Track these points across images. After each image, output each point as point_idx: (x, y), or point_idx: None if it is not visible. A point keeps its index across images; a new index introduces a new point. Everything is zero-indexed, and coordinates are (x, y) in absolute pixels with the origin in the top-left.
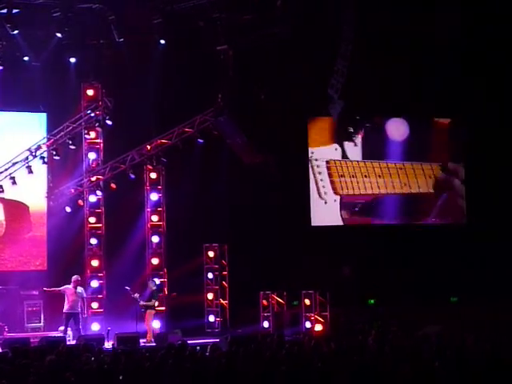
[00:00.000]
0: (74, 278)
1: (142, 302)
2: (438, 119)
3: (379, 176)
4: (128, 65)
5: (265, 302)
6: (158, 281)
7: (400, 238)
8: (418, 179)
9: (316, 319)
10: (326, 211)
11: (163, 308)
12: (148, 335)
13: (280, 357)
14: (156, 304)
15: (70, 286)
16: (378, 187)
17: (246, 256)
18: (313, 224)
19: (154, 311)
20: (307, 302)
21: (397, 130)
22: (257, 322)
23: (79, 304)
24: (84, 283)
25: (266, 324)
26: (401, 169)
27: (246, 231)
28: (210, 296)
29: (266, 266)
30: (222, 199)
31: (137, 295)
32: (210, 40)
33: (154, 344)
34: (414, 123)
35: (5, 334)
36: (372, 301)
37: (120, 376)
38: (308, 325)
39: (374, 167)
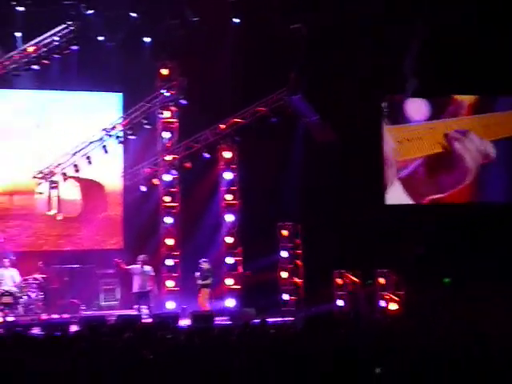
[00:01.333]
0: (141, 257)
1: (199, 281)
2: None
3: None
4: (202, 44)
5: (339, 280)
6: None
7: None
8: None
9: (391, 298)
10: (399, 190)
11: (238, 286)
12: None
13: (356, 335)
14: (209, 283)
15: (138, 266)
16: None
17: (320, 235)
18: (387, 203)
19: (208, 290)
20: (382, 280)
21: None
22: (331, 300)
23: (148, 283)
24: (159, 262)
25: (340, 303)
26: None
27: (320, 210)
28: (284, 275)
29: (340, 245)
30: (295, 177)
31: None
32: (284, 18)
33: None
34: None
35: (81, 312)
36: (447, 279)
37: (195, 353)
38: (383, 304)
39: None
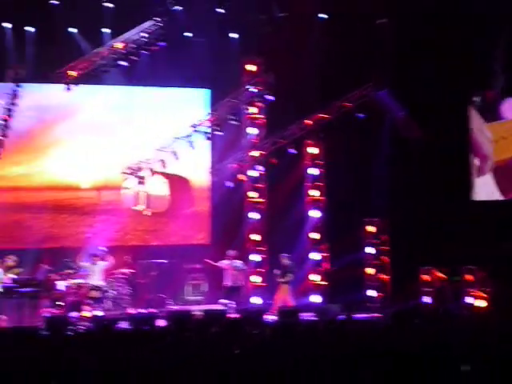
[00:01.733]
0: (230, 252)
1: (279, 279)
2: None
3: None
4: (288, 39)
5: (426, 277)
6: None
7: None
8: None
9: (478, 295)
10: (487, 186)
11: (323, 282)
12: (274, 308)
13: (444, 331)
14: (289, 279)
15: (228, 261)
16: None
17: (407, 231)
18: (474, 199)
19: (287, 286)
20: (469, 277)
21: None
22: (417, 297)
23: (240, 277)
24: (245, 257)
25: (427, 299)
26: None
27: (406, 205)
28: (371, 271)
29: (426, 241)
30: (382, 173)
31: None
32: (370, 13)
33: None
34: None
35: (168, 306)
36: None
37: (282, 348)
38: (470, 300)
39: None
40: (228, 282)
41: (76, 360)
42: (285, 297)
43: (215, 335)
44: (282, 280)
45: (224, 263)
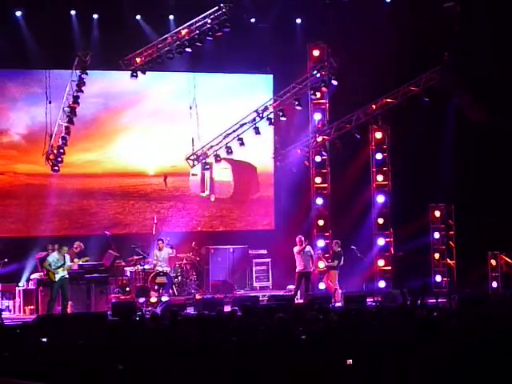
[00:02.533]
0: (298, 238)
1: (325, 263)
2: None
3: None
4: (353, 24)
5: (493, 261)
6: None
7: None
8: None
9: None
10: None
11: (389, 267)
12: (335, 295)
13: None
14: (338, 264)
15: (298, 247)
16: None
17: (473, 216)
18: None
19: (337, 271)
20: None
21: None
22: (485, 282)
23: (310, 263)
24: (312, 243)
25: (494, 284)
26: None
27: (472, 190)
28: (437, 256)
29: (493, 226)
30: (448, 158)
31: (359, 254)
32: None
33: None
34: None
35: (234, 292)
36: None
37: (348, 333)
38: None
39: None
40: (300, 267)
41: (144, 345)
42: (332, 282)
43: (281, 320)
44: (330, 265)
45: (297, 248)
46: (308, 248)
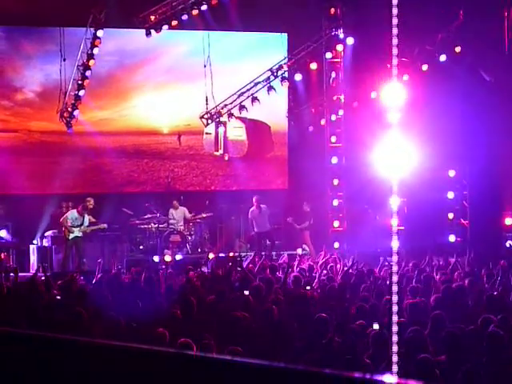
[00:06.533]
0: (255, 198)
1: (296, 226)
2: None
3: None
4: None
5: (508, 220)
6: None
7: None
8: None
9: None
10: None
11: (402, 227)
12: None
13: None
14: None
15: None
16: None
17: (486, 175)
18: None
19: (307, 232)
20: None
21: None
22: (499, 242)
23: (267, 223)
24: (326, 202)
25: (508, 244)
26: None
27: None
28: (451, 216)
29: (505, 186)
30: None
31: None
32: None
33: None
34: None
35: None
36: None
37: (361, 292)
38: None
39: None
40: (258, 227)
41: (159, 303)
42: (306, 242)
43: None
44: (304, 225)
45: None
46: (264, 207)
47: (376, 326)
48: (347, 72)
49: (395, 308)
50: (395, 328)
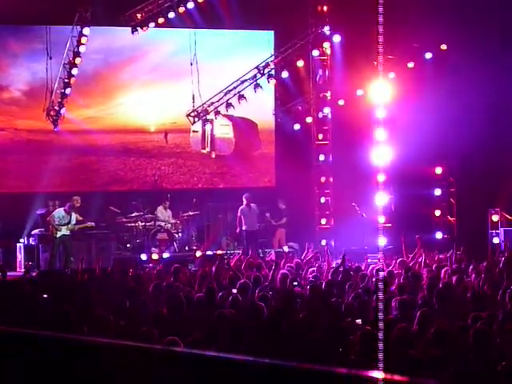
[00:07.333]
0: (245, 196)
1: (273, 222)
2: None
3: None
4: None
5: (494, 218)
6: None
7: None
8: None
9: None
10: None
11: (389, 224)
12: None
13: None
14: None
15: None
16: None
17: (473, 173)
18: None
19: (284, 230)
20: None
21: None
22: (485, 239)
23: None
24: (314, 200)
25: (495, 240)
26: None
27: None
28: (438, 213)
29: (491, 183)
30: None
31: (360, 211)
32: None
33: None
34: None
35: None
36: None
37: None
38: None
39: None
40: (246, 225)
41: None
42: (282, 240)
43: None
44: (281, 222)
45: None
46: (254, 206)
47: (359, 321)
48: (334, 69)
49: (382, 305)
50: (382, 325)
